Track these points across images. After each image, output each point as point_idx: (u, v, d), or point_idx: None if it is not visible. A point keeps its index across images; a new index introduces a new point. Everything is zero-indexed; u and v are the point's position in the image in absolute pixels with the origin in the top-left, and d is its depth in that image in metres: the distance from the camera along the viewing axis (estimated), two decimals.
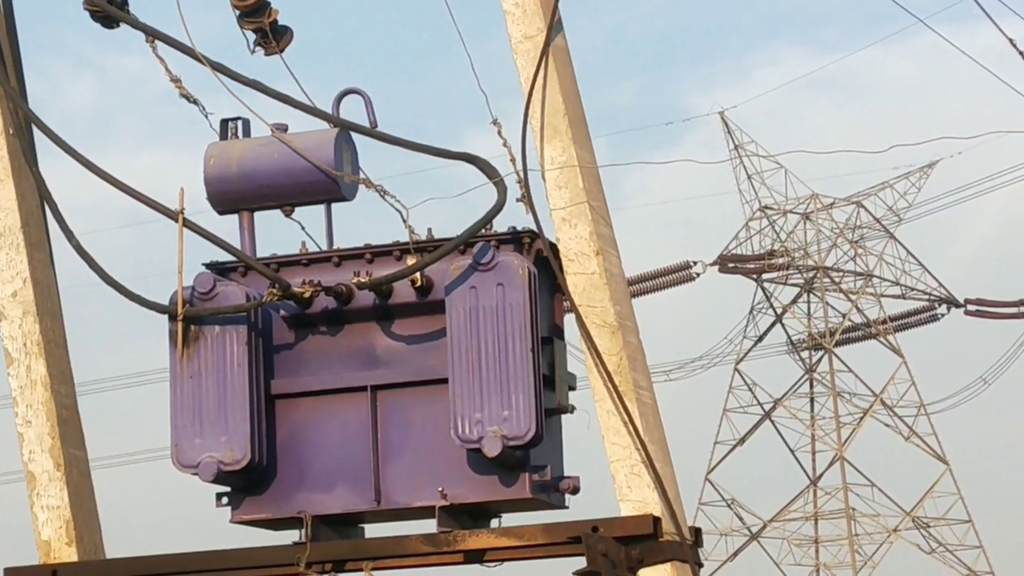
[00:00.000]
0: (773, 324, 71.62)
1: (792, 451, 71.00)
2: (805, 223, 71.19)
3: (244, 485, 7.15)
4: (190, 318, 7.14)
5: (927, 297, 71.38)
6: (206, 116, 7.33)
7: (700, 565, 6.80)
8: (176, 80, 7.28)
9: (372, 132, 7.19)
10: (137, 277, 7.17)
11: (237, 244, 7.23)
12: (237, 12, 7.38)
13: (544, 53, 6.92)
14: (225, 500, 7.19)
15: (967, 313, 70.48)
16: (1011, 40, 10.90)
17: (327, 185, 7.19)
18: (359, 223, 7.30)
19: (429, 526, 7.00)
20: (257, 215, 7.32)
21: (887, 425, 70.39)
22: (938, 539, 69.51)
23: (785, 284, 71.67)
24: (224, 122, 7.33)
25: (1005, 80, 11.74)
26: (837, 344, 70.66)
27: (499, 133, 6.93)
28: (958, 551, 69.40)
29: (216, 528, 7.28)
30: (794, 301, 71.56)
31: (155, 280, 7.22)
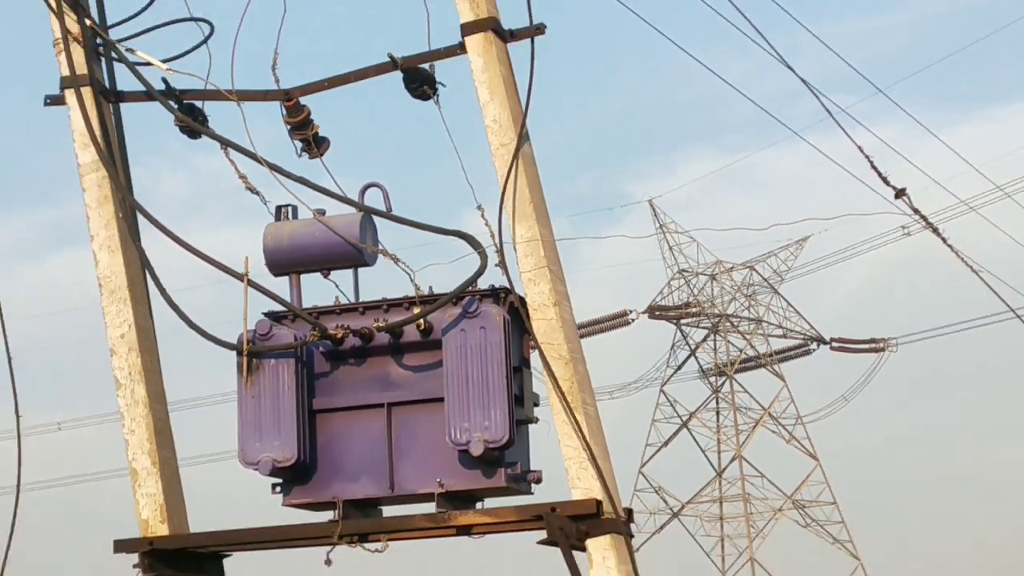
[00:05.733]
0: (688, 357, 72.98)
1: (703, 451, 72.12)
2: (712, 282, 72.50)
3: (292, 478, 7.06)
4: (252, 353, 7.07)
5: (802, 336, 72.20)
6: (265, 203, 7.30)
7: (631, 536, 6.78)
8: (243, 177, 7.23)
9: (388, 215, 7.18)
10: (215, 323, 7.14)
11: (288, 299, 7.24)
12: (288, 127, 7.38)
13: (515, 157, 6.92)
14: (278, 489, 7.12)
15: (832, 348, 71.46)
16: (859, 147, 10.94)
17: (354, 254, 7.16)
18: (378, 282, 7.30)
19: (430, 508, 6.94)
20: (303, 277, 7.30)
21: (773, 431, 71.09)
22: (812, 517, 70.21)
23: (697, 327, 73.12)
24: (278, 208, 7.30)
25: (858, 176, 11.77)
26: (736, 371, 71.52)
27: (482, 216, 6.93)
28: (826, 525, 69.95)
29: (273, 510, 7.26)
30: (704, 340, 72.89)
31: (228, 326, 7.21)
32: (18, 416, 7.73)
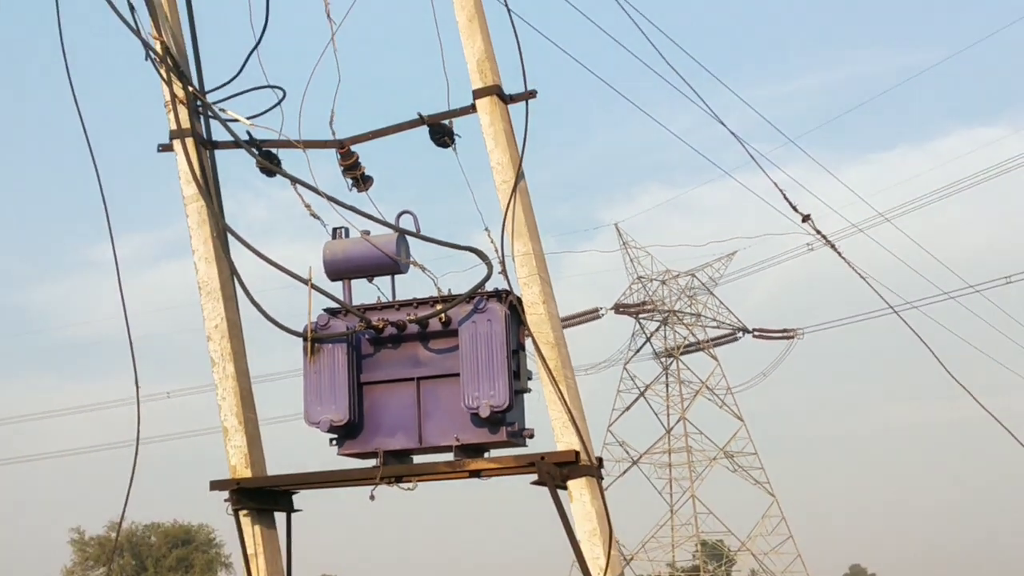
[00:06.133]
0: (645, 343, 73.12)
1: (656, 414, 72.35)
2: (663, 286, 72.56)
3: (345, 433, 7.02)
4: (315, 339, 7.05)
5: (731, 327, 72.22)
6: (324, 226, 7.26)
7: (602, 479, 6.77)
8: (308, 206, 7.17)
9: (417, 235, 7.15)
10: (285, 317, 7.12)
11: (342, 298, 7.22)
12: (342, 168, 7.35)
13: (513, 191, 6.90)
14: (334, 442, 7.08)
15: (754, 336, 71.51)
16: (775, 183, 10.91)
17: (392, 265, 7.13)
18: (410, 285, 7.28)
19: (449, 456, 6.93)
20: (353, 282, 7.26)
21: (709, 399, 71.54)
22: (738, 464, 70.36)
23: (651, 320, 72.82)
24: (334, 229, 7.26)
25: (773, 205, 11.76)
26: (681, 354, 71.75)
27: (489, 235, 6.91)
28: (749, 470, 70.25)
29: (329, 458, 7.23)
30: (656, 330, 72.90)
31: (296, 318, 7.18)
32: (137, 387, 7.71)
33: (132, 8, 7.24)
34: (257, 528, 7.16)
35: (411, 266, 7.17)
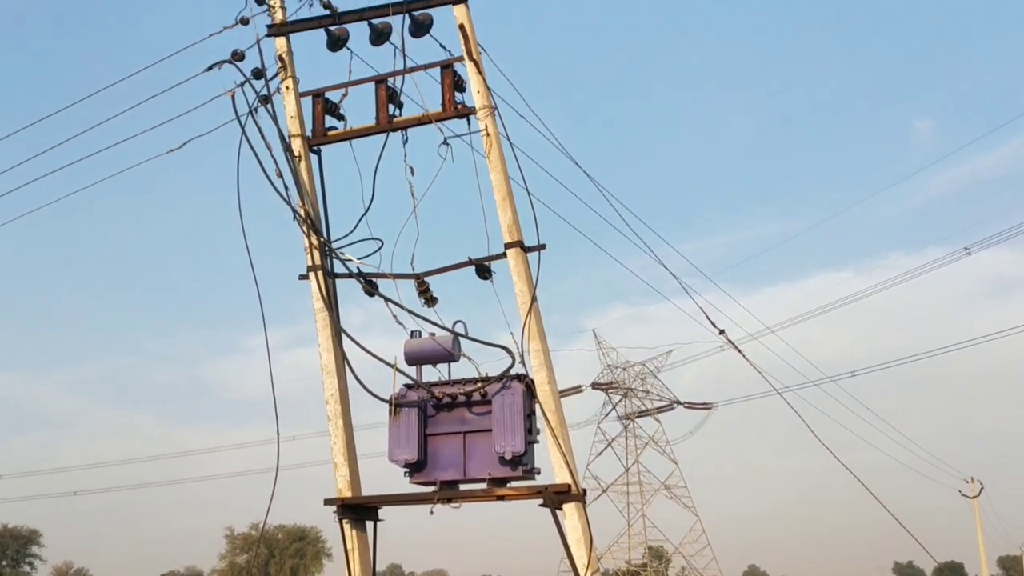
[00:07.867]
0: (612, 409, 71.94)
1: (618, 458, 70.91)
2: (624, 371, 71.73)
3: (414, 468, 6.94)
4: (397, 404, 7.03)
5: (669, 400, 71.20)
6: (405, 329, 7.27)
7: (585, 503, 6.63)
8: (395, 316, 7.16)
9: (466, 336, 7.15)
10: (377, 388, 7.07)
11: (416, 377, 7.16)
12: (417, 291, 7.39)
13: (530, 309, 6.90)
14: (407, 474, 6.99)
15: (684, 407, 70.36)
16: (701, 308, 10.84)
17: (449, 356, 7.09)
18: (460, 370, 7.23)
19: (483, 485, 6.81)
20: (424, 367, 7.27)
21: (655, 448, 70.17)
22: (674, 493, 68.83)
23: (616, 394, 71.88)
24: (411, 331, 7.26)
25: (698, 320, 11.71)
26: (636, 417, 70.76)
27: (513, 337, 6.90)
28: (682, 498, 68.61)
29: (402, 484, 7.08)
30: (619, 401, 71.91)
31: (384, 389, 7.14)
32: (279, 432, 7.66)
33: (287, 187, 7.42)
34: (354, 532, 7.05)
35: (462, 357, 7.16)
